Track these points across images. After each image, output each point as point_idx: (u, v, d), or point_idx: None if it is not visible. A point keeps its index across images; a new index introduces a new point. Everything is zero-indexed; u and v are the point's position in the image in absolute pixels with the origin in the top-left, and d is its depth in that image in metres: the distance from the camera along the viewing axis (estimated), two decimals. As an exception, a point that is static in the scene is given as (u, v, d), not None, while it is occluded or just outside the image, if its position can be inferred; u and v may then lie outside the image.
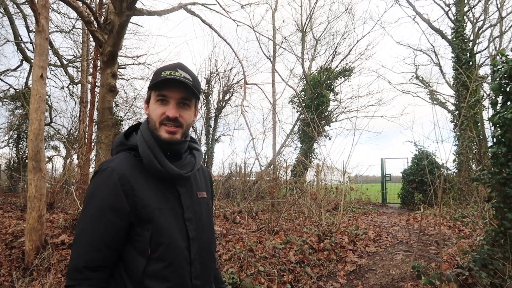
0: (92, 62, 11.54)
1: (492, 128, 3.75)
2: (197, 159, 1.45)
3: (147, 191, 1.27)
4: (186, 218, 1.33)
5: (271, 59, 14.92)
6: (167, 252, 1.25)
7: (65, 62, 16.09)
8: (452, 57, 13.17)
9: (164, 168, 1.29)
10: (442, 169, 8.26)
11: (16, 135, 17.01)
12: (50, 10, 6.71)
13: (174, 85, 1.30)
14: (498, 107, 3.60)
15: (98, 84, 9.36)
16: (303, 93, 16.83)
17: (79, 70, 15.32)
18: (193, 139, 1.53)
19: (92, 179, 1.29)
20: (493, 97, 3.70)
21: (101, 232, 1.20)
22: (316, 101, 15.42)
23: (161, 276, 1.24)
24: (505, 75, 3.49)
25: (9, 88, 16.96)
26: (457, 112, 13.34)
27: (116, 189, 1.22)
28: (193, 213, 1.36)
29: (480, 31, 14.09)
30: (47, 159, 16.40)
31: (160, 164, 1.28)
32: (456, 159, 12.19)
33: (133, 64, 15.34)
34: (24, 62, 15.92)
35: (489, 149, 3.66)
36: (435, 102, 17.99)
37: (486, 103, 12.74)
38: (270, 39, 14.32)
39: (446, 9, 13.73)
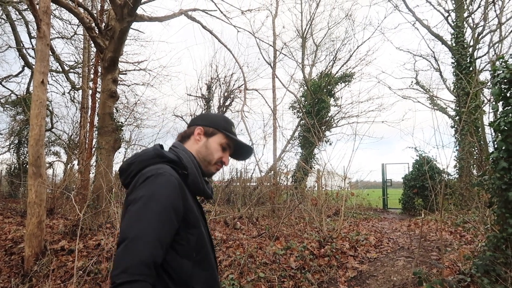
0: (93, 68, 11.56)
1: (493, 133, 3.75)
2: (210, 186, 1.62)
3: (191, 199, 1.39)
4: (208, 233, 1.52)
5: (272, 64, 14.95)
6: (207, 255, 1.40)
7: (66, 68, 16.13)
8: (452, 62, 13.20)
9: (203, 189, 1.47)
10: (443, 174, 8.24)
11: (17, 141, 17.03)
12: (51, 17, 6.74)
13: (241, 150, 1.64)
14: (498, 113, 3.60)
15: (99, 90, 9.38)
16: (303, 98, 16.85)
17: (80, 76, 15.35)
18: None
19: (145, 182, 1.28)
20: (494, 103, 3.71)
21: (166, 230, 1.22)
22: (316, 106, 15.44)
23: (201, 277, 1.35)
24: (505, 81, 3.49)
25: (10, 94, 17.00)
26: (457, 117, 13.34)
27: (176, 191, 1.28)
28: (207, 227, 1.55)
29: (480, 36, 14.12)
30: (47, 165, 16.41)
31: (202, 184, 1.46)
32: (457, 164, 12.17)
33: (134, 70, 15.38)
34: (25, 68, 15.98)
35: (490, 155, 3.65)
36: (435, 107, 18.02)
37: (486, 108, 12.77)
38: (270, 45, 14.37)
39: (446, 15, 13.78)
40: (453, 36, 13.19)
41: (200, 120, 1.59)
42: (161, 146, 1.49)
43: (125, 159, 1.59)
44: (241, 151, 1.63)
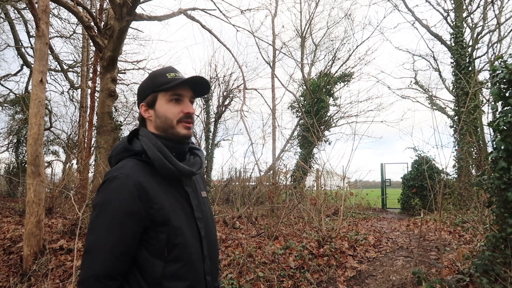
0: (92, 67, 11.56)
1: (492, 133, 3.75)
2: (202, 158, 1.50)
3: (160, 194, 1.28)
4: (196, 217, 1.37)
5: (271, 64, 14.95)
6: (183, 252, 1.28)
7: (65, 67, 16.13)
8: (451, 62, 13.21)
9: (175, 167, 1.32)
10: (442, 174, 8.25)
11: (15, 140, 17.01)
12: (50, 15, 6.72)
13: (188, 86, 1.40)
14: (497, 113, 3.61)
15: (98, 89, 9.37)
16: (302, 98, 16.86)
17: (79, 75, 15.34)
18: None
19: (102, 187, 1.27)
20: (493, 102, 3.71)
21: (120, 239, 1.19)
22: (315, 106, 15.44)
23: (179, 276, 1.26)
24: (504, 80, 3.49)
25: (9, 93, 16.99)
26: (456, 117, 13.35)
27: (133, 195, 1.22)
28: (201, 212, 1.41)
29: (479, 36, 14.13)
30: (46, 164, 16.38)
31: (171, 164, 1.31)
32: (456, 164, 12.18)
33: (133, 69, 15.36)
34: (24, 67, 15.97)
35: (489, 154, 3.65)
36: (434, 107, 18.04)
37: (485, 108, 12.79)
38: (269, 44, 14.37)
39: (445, 14, 13.79)
40: (452, 36, 13.19)
41: (138, 99, 1.46)
42: (135, 133, 1.43)
43: None
44: (194, 85, 1.42)
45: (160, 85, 1.37)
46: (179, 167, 1.33)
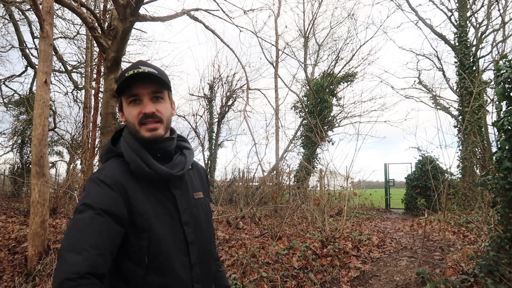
0: (96, 67, 11.62)
1: (496, 133, 3.73)
2: (187, 158, 1.39)
3: (141, 198, 1.22)
4: (184, 222, 1.29)
5: (274, 64, 14.95)
6: (166, 260, 1.22)
7: (69, 68, 16.19)
8: (455, 62, 13.16)
9: (152, 169, 1.24)
10: (446, 174, 8.22)
11: (20, 141, 17.08)
12: (54, 17, 6.76)
13: (141, 81, 1.26)
14: (502, 112, 3.59)
15: (101, 89, 9.41)
16: (305, 98, 16.84)
17: (83, 75, 15.42)
18: (182, 137, 1.49)
19: (83, 189, 1.23)
20: (497, 102, 3.69)
21: (100, 237, 1.09)
22: (319, 106, 15.43)
23: (159, 283, 1.20)
24: (509, 80, 3.47)
25: (13, 93, 17.07)
26: (460, 117, 13.30)
27: (112, 194, 1.17)
28: (191, 216, 1.32)
29: (483, 36, 14.07)
30: (50, 165, 16.46)
31: (148, 166, 1.24)
32: (460, 164, 12.13)
33: (137, 69, 15.39)
34: (28, 68, 16.03)
35: (494, 154, 3.64)
36: (438, 107, 17.96)
37: (489, 108, 12.73)
38: (272, 45, 14.36)
39: (449, 14, 13.74)
40: (456, 35, 13.15)
41: (117, 93, 1.34)
42: (120, 133, 1.38)
43: None
44: (139, 71, 1.26)
45: (118, 87, 1.29)
46: (156, 168, 1.24)
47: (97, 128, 10.35)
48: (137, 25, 10.63)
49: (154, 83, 1.28)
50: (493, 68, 12.73)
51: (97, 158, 9.97)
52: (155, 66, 1.34)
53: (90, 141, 10.74)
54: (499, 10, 13.50)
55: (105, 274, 1.09)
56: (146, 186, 1.25)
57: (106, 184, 1.18)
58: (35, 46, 15.15)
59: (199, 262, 1.30)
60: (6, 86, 16.73)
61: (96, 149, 10.38)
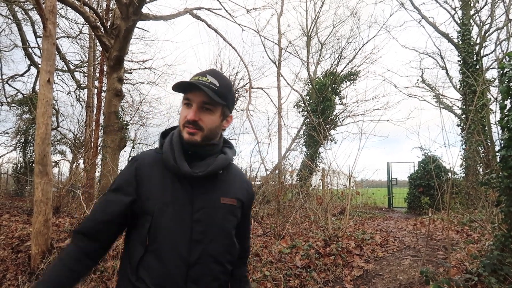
0: (99, 67, 11.62)
1: (500, 131, 3.71)
2: (216, 161, 1.40)
3: (157, 185, 1.34)
4: (195, 219, 1.32)
5: (277, 63, 14.92)
6: (163, 246, 1.28)
7: (72, 67, 16.22)
8: (458, 60, 13.11)
9: (177, 164, 1.33)
10: (449, 173, 8.20)
11: (23, 140, 17.14)
12: (57, 16, 6.75)
13: (195, 89, 1.34)
14: (506, 111, 3.57)
15: (104, 88, 9.42)
16: (308, 97, 16.81)
17: (86, 75, 15.43)
18: (229, 144, 1.54)
19: None
20: (501, 101, 3.67)
21: (105, 209, 1.36)
22: (321, 105, 15.40)
23: (152, 268, 1.27)
24: (514, 78, 3.45)
25: (16, 93, 17.13)
26: (464, 116, 13.24)
27: (131, 175, 1.36)
28: (206, 216, 1.34)
29: (487, 34, 14.01)
30: (53, 164, 16.51)
31: (174, 160, 1.33)
32: (464, 163, 12.08)
33: (139, 68, 15.43)
34: (31, 67, 16.08)
35: (498, 153, 3.62)
36: (441, 105, 17.91)
37: (493, 106, 12.67)
38: (275, 43, 14.34)
39: (452, 12, 13.69)
40: (459, 34, 13.09)
41: None
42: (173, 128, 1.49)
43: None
44: (202, 79, 1.35)
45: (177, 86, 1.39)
46: (180, 164, 1.32)
47: (100, 127, 10.35)
48: (140, 24, 10.65)
49: (207, 95, 1.33)
50: (497, 67, 12.67)
51: (99, 157, 9.98)
52: (223, 78, 1.43)
53: (92, 140, 10.74)
54: (504, 7, 13.43)
55: (95, 236, 1.35)
56: (170, 178, 1.35)
57: (133, 163, 1.41)
58: (38, 45, 15.18)
59: (202, 263, 1.30)
60: (10, 85, 16.80)
61: (99, 148, 10.40)
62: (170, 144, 1.38)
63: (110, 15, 9.09)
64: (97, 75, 12.78)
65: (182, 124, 1.37)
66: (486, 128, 12.75)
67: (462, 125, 13.34)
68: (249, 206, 1.58)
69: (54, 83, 5.94)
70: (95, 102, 12.28)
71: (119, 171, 1.34)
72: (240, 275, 1.59)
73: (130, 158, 1.27)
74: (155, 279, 1.26)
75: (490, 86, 12.80)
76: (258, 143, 11.37)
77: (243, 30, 10.69)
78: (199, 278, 1.30)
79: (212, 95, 1.32)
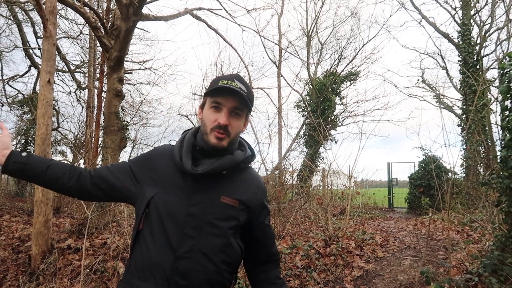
0: (99, 67, 11.64)
1: (501, 131, 3.71)
2: (220, 161, 1.39)
3: (162, 177, 1.42)
4: (189, 212, 1.33)
5: (277, 63, 14.93)
6: (154, 231, 1.32)
7: (72, 68, 16.23)
8: (458, 60, 13.10)
9: (182, 161, 1.39)
10: (449, 173, 8.20)
11: (24, 140, 17.15)
12: (57, 16, 6.75)
13: (228, 94, 1.36)
14: (506, 111, 3.57)
15: (104, 89, 9.42)
16: (308, 97, 16.81)
17: (86, 75, 15.43)
18: (242, 147, 1.54)
19: None
20: (502, 101, 3.67)
21: (114, 167, 1.53)
22: (322, 105, 15.40)
23: (141, 253, 1.33)
24: (514, 78, 3.45)
25: (17, 93, 17.12)
26: (464, 116, 13.24)
27: (143, 161, 1.51)
28: (201, 211, 1.34)
29: (487, 34, 14.00)
30: (54, 164, 16.47)
31: (180, 157, 1.40)
32: (464, 163, 12.08)
33: (140, 69, 15.43)
34: (32, 67, 16.08)
35: (498, 153, 3.61)
36: (442, 106, 17.90)
37: (494, 106, 12.66)
38: (275, 44, 14.34)
39: (453, 12, 13.69)
40: (459, 34, 13.09)
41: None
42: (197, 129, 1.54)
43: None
44: (232, 84, 1.37)
45: (208, 88, 1.42)
46: (183, 161, 1.38)
47: (100, 128, 10.36)
48: (140, 24, 10.65)
49: (239, 100, 1.38)
50: (497, 67, 12.66)
51: (100, 157, 9.99)
52: (247, 84, 1.46)
53: (93, 140, 10.75)
54: (505, 7, 13.43)
55: (85, 175, 1.48)
56: (176, 171, 1.42)
57: (147, 154, 1.55)
58: (39, 46, 15.19)
59: (189, 258, 1.29)
60: (10, 86, 16.80)
61: (99, 148, 10.40)
62: (181, 142, 1.46)
63: (110, 16, 9.10)
64: (98, 75, 12.80)
65: (211, 128, 1.38)
66: (486, 128, 12.74)
67: (462, 125, 13.33)
68: (260, 212, 1.55)
69: (55, 83, 5.93)
70: (96, 102, 12.29)
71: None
72: (274, 276, 1.61)
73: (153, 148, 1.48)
74: (141, 262, 1.31)
75: (490, 86, 12.80)
76: (258, 143, 11.36)
77: (243, 30, 10.72)
78: (187, 272, 1.28)
79: (244, 101, 1.38)
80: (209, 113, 1.40)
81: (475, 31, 13.60)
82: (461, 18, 13.26)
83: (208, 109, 1.41)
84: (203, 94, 1.39)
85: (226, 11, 9.86)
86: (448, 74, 17.04)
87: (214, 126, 1.37)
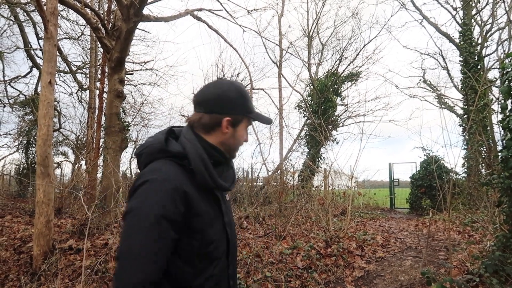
0: (100, 68, 11.65)
1: (502, 132, 3.70)
2: (235, 171, 1.52)
3: (199, 201, 1.25)
4: (226, 222, 1.38)
5: (278, 64, 14.92)
6: (213, 260, 1.29)
7: (74, 69, 16.25)
8: (460, 60, 13.08)
9: (215, 184, 1.30)
10: (451, 173, 8.18)
11: (25, 141, 17.19)
12: (59, 17, 6.79)
13: (265, 123, 1.49)
14: (507, 111, 3.56)
15: (106, 90, 9.44)
16: (309, 98, 16.80)
17: (88, 76, 15.47)
18: None
19: (137, 190, 1.19)
20: (502, 101, 3.66)
21: (158, 245, 1.13)
22: (323, 105, 15.39)
23: (208, 285, 1.27)
24: (514, 78, 3.44)
25: (19, 94, 17.13)
26: (465, 116, 13.22)
27: (170, 199, 1.16)
28: (228, 217, 1.42)
29: (488, 34, 13.98)
30: (56, 165, 16.57)
31: (211, 178, 1.29)
32: (465, 163, 12.06)
33: (141, 70, 15.45)
34: (33, 68, 16.09)
35: (499, 153, 3.61)
36: (443, 106, 17.86)
37: (495, 106, 12.65)
38: (276, 44, 14.34)
39: (454, 12, 13.68)
40: (461, 34, 13.07)
41: (227, 108, 1.35)
42: (172, 131, 1.39)
43: (138, 145, 1.53)
44: (267, 122, 1.50)
45: (250, 111, 1.40)
46: (218, 184, 1.31)
47: (102, 128, 10.38)
48: (141, 25, 10.67)
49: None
50: (498, 67, 12.65)
51: (101, 158, 10.00)
52: None
53: (94, 141, 10.77)
54: (505, 8, 13.41)
55: (159, 281, 1.16)
56: (200, 189, 1.28)
57: (164, 188, 1.17)
58: (40, 47, 15.21)
59: (232, 260, 1.42)
60: (12, 87, 16.82)
61: (101, 149, 10.41)
62: (201, 161, 1.28)
63: (111, 17, 9.11)
64: (99, 76, 12.81)
65: (240, 145, 1.45)
66: (488, 128, 12.72)
67: (463, 125, 13.31)
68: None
69: (56, 84, 5.96)
70: (97, 103, 12.30)
71: (139, 197, 1.18)
72: None
73: (153, 178, 1.18)
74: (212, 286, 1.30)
75: (492, 86, 12.77)
76: (259, 144, 11.38)
77: (244, 31, 10.68)
78: (233, 274, 1.43)
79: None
80: (244, 133, 1.44)
81: (476, 31, 13.59)
82: (462, 18, 13.24)
83: (244, 129, 1.44)
84: (245, 114, 1.40)
85: (227, 12, 9.86)
86: (449, 74, 17.01)
87: (242, 143, 1.46)
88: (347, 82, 16.75)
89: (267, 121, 1.48)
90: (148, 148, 1.31)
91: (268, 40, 12.76)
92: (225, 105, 1.35)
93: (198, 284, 1.24)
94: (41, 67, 5.13)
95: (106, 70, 9.64)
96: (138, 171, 1.36)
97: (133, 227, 1.13)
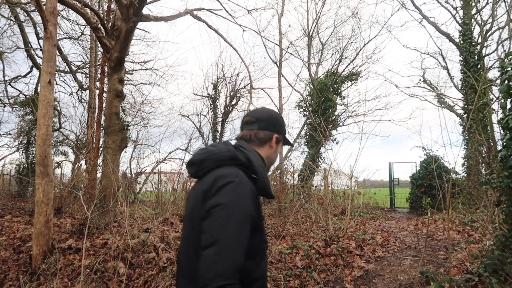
0: (100, 68, 11.65)
1: (501, 131, 3.70)
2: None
3: (259, 205, 1.48)
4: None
5: (278, 63, 14.91)
6: (264, 253, 1.52)
7: (73, 68, 16.25)
8: (460, 60, 13.07)
9: (270, 192, 1.54)
10: (450, 173, 8.18)
11: (25, 141, 17.18)
12: (58, 17, 6.78)
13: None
14: (507, 110, 3.56)
15: (106, 89, 9.44)
16: (309, 97, 16.79)
17: (88, 76, 15.46)
18: None
19: (228, 188, 1.35)
20: (502, 100, 3.66)
21: (246, 238, 1.29)
22: (323, 105, 15.37)
23: (263, 277, 1.48)
24: (514, 78, 3.44)
25: (19, 94, 17.14)
26: (465, 115, 13.21)
27: (252, 201, 1.37)
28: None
29: (488, 33, 13.97)
30: (56, 164, 16.55)
31: (269, 189, 1.53)
32: (465, 163, 12.05)
33: (141, 69, 15.46)
34: (33, 68, 16.11)
35: (499, 153, 3.61)
36: (443, 105, 17.86)
37: (495, 106, 12.65)
38: (276, 44, 14.33)
39: (453, 12, 13.66)
40: (460, 34, 13.06)
41: (276, 127, 1.69)
42: (230, 144, 1.57)
43: (195, 152, 1.58)
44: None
45: (285, 134, 1.77)
46: (270, 191, 1.54)
47: (101, 128, 10.37)
48: (141, 25, 10.67)
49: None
50: (498, 66, 12.63)
51: (101, 158, 10.00)
52: None
53: (94, 141, 10.77)
54: (505, 7, 13.40)
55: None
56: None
57: (249, 189, 1.38)
58: (40, 47, 15.20)
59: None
60: (12, 86, 16.84)
61: (101, 149, 10.41)
62: (263, 171, 1.52)
63: (111, 17, 9.11)
64: (99, 76, 12.81)
65: (275, 160, 1.75)
66: (487, 127, 12.71)
67: (463, 124, 13.31)
68: None
69: (56, 84, 5.96)
70: (97, 103, 12.29)
71: (233, 193, 1.40)
72: None
73: (240, 181, 1.38)
74: (264, 283, 1.50)
75: (491, 86, 12.77)
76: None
77: (244, 30, 10.69)
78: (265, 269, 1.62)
79: None
80: (281, 150, 1.73)
81: (476, 30, 13.58)
82: (462, 17, 13.23)
83: (281, 147, 1.74)
84: (284, 136, 1.79)
85: (227, 12, 9.86)
86: (449, 74, 17.01)
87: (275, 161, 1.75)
88: (347, 82, 16.73)
89: (291, 143, 1.80)
90: (216, 155, 1.47)
91: (268, 40, 12.77)
92: (275, 125, 1.69)
93: (258, 274, 1.43)
94: (41, 66, 5.13)
95: (106, 70, 9.63)
96: (189, 175, 1.63)
97: (231, 220, 1.29)
